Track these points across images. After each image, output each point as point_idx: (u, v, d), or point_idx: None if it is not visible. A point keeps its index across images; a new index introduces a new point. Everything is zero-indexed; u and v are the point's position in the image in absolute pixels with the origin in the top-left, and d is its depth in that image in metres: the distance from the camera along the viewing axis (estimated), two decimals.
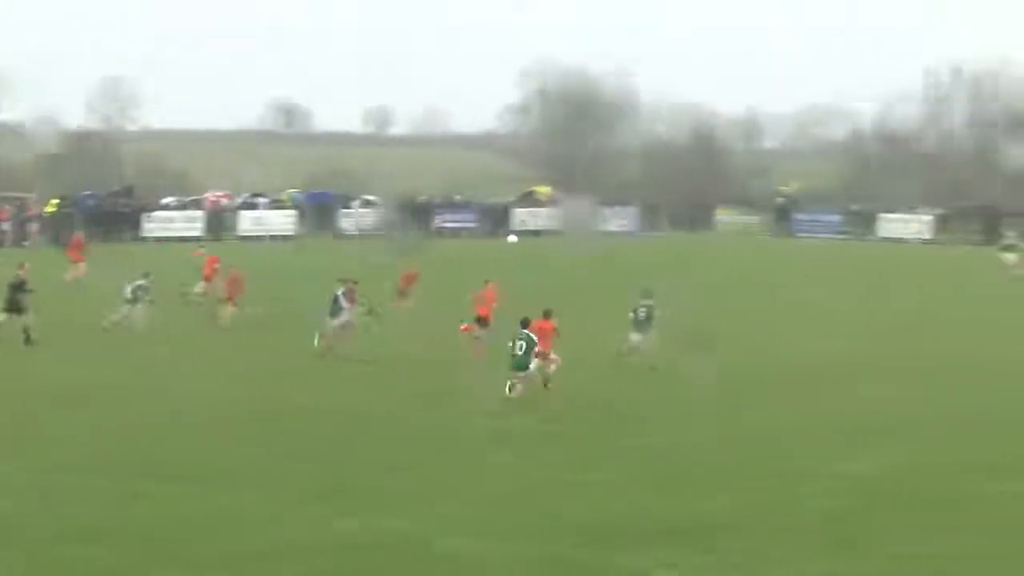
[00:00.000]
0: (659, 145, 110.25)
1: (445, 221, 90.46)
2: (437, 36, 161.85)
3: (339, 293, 37.10)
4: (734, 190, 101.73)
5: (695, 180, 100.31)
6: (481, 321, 37.04)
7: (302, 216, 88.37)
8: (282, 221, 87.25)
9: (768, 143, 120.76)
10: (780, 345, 39.34)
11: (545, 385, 31.06)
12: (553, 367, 31.20)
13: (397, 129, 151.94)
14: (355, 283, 38.26)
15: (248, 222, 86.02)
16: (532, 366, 30.45)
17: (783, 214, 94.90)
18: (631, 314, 34.92)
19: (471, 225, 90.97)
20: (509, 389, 29.96)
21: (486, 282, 38.52)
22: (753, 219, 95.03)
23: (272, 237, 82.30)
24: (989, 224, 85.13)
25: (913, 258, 74.71)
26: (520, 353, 30.18)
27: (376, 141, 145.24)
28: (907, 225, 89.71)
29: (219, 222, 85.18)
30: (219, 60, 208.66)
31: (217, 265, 46.79)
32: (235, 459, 24.71)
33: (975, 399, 31.33)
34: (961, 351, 38.05)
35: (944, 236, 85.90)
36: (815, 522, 20.89)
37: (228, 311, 42.08)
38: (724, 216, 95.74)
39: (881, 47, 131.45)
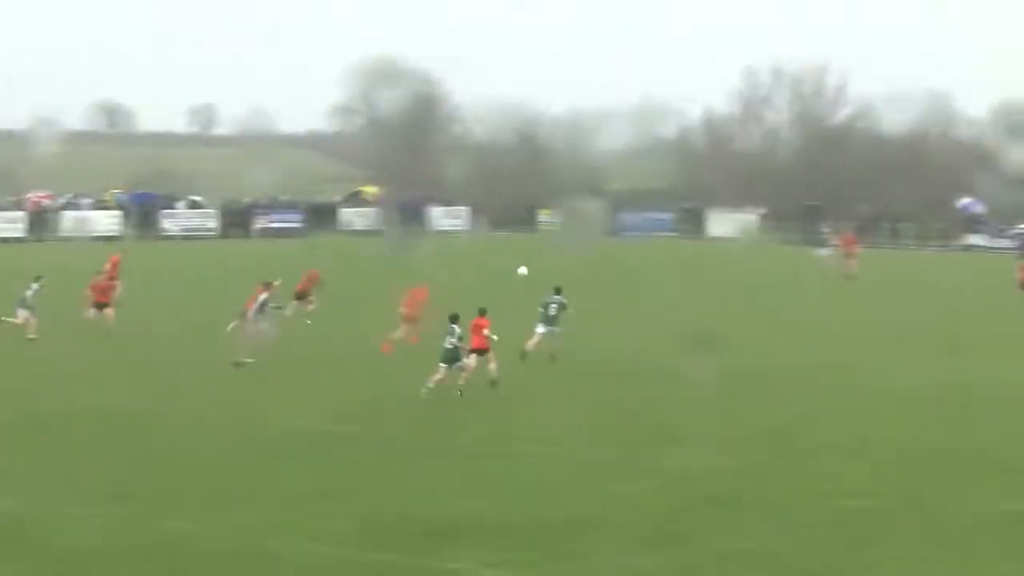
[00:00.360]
0: (484, 145, 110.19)
1: (271, 221, 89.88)
2: (262, 35, 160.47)
3: (263, 297, 36.62)
4: (558, 191, 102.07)
5: (519, 180, 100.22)
6: (407, 320, 37.24)
7: (126, 217, 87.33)
8: (106, 222, 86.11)
9: (593, 142, 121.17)
10: (598, 343, 39.19)
11: (493, 384, 31.74)
12: (493, 365, 31.87)
13: (222, 129, 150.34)
14: (271, 284, 37.82)
15: (71, 223, 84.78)
16: (470, 361, 31.31)
17: (605, 213, 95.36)
18: (541, 308, 36.35)
19: (297, 225, 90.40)
20: (433, 382, 30.79)
21: (416, 283, 38.67)
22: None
23: (95, 238, 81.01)
24: (811, 222, 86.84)
25: (735, 256, 75.45)
26: (450, 347, 30.91)
27: (201, 141, 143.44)
28: (733, 223, 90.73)
29: (41, 223, 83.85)
30: (42, 60, 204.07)
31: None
32: (22, 462, 24.51)
33: (782, 401, 31.79)
34: (771, 355, 38.14)
35: (770, 235, 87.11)
36: (638, 518, 21.09)
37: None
38: (548, 216, 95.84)
39: (706, 46, 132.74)
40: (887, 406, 30.82)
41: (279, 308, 38.41)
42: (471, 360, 31.46)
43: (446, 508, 21.51)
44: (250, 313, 35.96)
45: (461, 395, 30.97)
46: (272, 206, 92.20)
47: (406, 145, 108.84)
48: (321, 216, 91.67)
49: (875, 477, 23.76)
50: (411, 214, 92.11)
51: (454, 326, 31.20)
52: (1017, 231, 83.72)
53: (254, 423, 28.29)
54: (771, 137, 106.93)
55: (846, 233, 69.02)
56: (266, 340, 35.71)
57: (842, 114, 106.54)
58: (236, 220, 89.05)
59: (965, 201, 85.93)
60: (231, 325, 35.83)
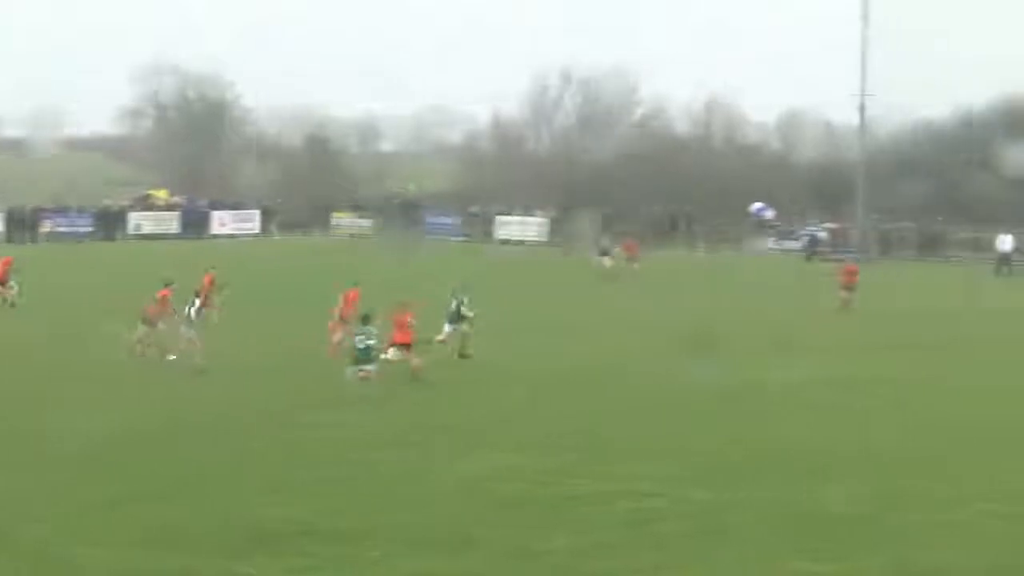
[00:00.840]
0: (275, 148, 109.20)
1: (58, 226, 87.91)
2: (49, 34, 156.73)
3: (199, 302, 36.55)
4: (351, 193, 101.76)
5: (311, 183, 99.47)
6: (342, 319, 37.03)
7: None
8: None
9: (385, 146, 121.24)
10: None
11: (416, 377, 32.54)
12: (416, 361, 32.71)
13: (7, 131, 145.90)
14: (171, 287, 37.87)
15: None
16: (392, 355, 32.33)
17: (404, 216, 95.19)
18: (451, 307, 37.50)
19: (86, 229, 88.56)
20: (355, 381, 31.49)
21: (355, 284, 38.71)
22: (369, 222, 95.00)
23: None
24: (603, 226, 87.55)
25: (522, 260, 75.52)
26: (363, 347, 31.52)
27: None
28: (524, 227, 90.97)
29: None
30: None
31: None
32: None
33: (577, 402, 31.99)
34: (563, 359, 38.23)
35: (558, 238, 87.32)
36: (432, 522, 21.00)
37: None
38: (341, 219, 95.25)
39: (497, 49, 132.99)
40: (679, 406, 31.10)
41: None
42: (391, 353, 32.36)
43: (255, 514, 21.20)
44: (192, 314, 35.79)
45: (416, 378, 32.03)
46: (59, 210, 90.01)
47: (196, 148, 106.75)
48: (110, 221, 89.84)
49: (670, 477, 23.83)
50: (197, 218, 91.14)
51: (369, 327, 31.75)
52: (804, 233, 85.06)
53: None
54: (561, 140, 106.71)
55: (628, 239, 69.98)
56: (193, 347, 35.25)
57: (633, 116, 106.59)
58: (22, 224, 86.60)
59: (756, 206, 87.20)
60: (139, 331, 36.07)
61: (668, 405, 31.23)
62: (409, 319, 33.15)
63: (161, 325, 37.01)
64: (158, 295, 37.62)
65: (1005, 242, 74.94)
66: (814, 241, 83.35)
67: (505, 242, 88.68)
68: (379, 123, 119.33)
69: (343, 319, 37.07)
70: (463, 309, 37.46)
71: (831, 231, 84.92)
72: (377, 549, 19.47)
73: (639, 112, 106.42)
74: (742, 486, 23.14)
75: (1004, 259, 73.73)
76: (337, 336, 36.61)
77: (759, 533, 20.26)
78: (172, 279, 38.93)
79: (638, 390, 33.26)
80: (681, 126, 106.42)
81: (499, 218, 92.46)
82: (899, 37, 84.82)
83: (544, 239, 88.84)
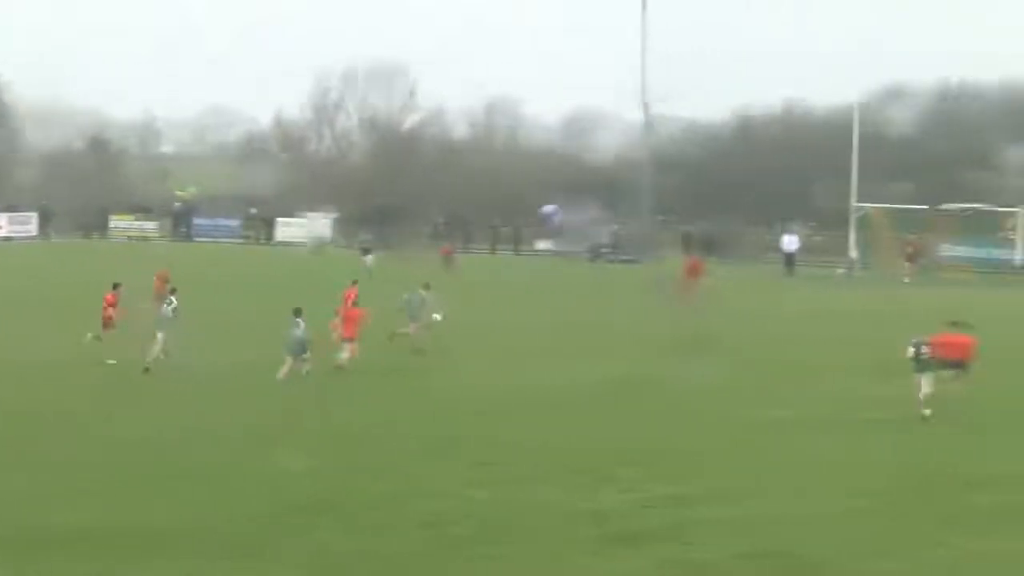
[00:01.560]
0: (55, 151, 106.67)
1: None
2: None
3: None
4: (131, 196, 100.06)
5: (91, 186, 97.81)
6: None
7: None
8: None
9: (166, 148, 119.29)
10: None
11: (338, 367, 34.34)
12: (346, 355, 34.76)
13: None
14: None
15: None
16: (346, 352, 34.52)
17: (181, 219, 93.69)
18: (403, 303, 39.58)
19: None
20: (282, 374, 32.99)
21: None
22: (151, 224, 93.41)
23: None
24: (384, 227, 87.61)
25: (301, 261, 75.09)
26: (295, 339, 33.20)
27: None
28: (306, 228, 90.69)
29: None
30: None
31: None
32: None
33: (366, 402, 32.02)
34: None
35: (343, 239, 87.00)
36: (218, 525, 20.69)
37: None
38: (120, 222, 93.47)
39: (278, 49, 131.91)
40: (468, 406, 31.23)
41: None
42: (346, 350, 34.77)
43: (48, 517, 20.81)
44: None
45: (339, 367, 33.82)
46: None
47: None
48: None
49: (457, 478, 23.80)
50: None
51: (299, 319, 33.21)
52: (589, 235, 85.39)
53: None
54: (343, 141, 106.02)
55: (445, 242, 71.18)
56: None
57: (412, 118, 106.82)
58: None
59: (548, 208, 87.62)
60: (88, 336, 36.42)
61: (453, 405, 31.36)
62: (358, 316, 35.82)
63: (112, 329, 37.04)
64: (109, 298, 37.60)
65: (791, 243, 76.23)
66: (598, 243, 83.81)
67: (287, 244, 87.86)
68: (160, 125, 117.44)
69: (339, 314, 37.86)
70: (420, 305, 39.53)
71: (616, 233, 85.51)
72: (162, 553, 19.13)
73: (418, 114, 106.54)
74: (524, 487, 23.19)
75: (789, 259, 75.12)
76: (337, 333, 37.00)
77: (542, 532, 20.36)
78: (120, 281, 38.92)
79: (422, 390, 33.33)
80: (461, 128, 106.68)
81: (280, 220, 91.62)
82: (678, 37, 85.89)
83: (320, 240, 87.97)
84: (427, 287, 40.76)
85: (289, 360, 33.24)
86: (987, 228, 75.25)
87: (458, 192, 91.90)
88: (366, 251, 67.07)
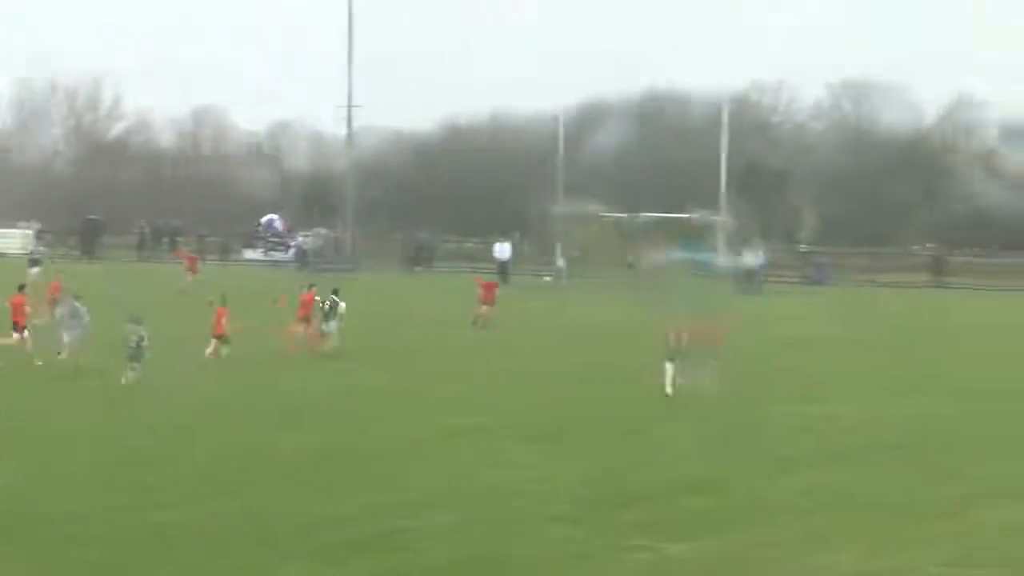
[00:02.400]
0: None
1: None
2: None
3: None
4: None
5: None
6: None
7: None
8: None
9: None
10: None
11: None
12: (210, 350, 38.11)
13: None
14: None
15: None
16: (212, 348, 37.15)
17: None
18: (322, 306, 41.62)
19: None
20: (125, 379, 34.18)
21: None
22: None
23: None
24: (88, 238, 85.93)
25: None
26: (134, 347, 34.60)
27: None
28: (9, 240, 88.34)
29: None
30: None
31: None
32: None
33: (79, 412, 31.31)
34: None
35: (47, 250, 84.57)
36: None
37: None
38: None
39: None
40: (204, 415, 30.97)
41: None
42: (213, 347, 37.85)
43: None
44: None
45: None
46: None
47: None
48: None
49: (183, 487, 23.35)
50: None
51: (137, 326, 34.61)
52: (294, 244, 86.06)
53: None
54: (49, 151, 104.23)
55: (187, 250, 70.65)
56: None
57: (118, 127, 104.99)
58: None
59: (268, 217, 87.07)
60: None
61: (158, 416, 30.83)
62: (224, 315, 38.73)
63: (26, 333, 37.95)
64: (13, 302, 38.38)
65: (503, 251, 77.42)
66: (303, 252, 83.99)
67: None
68: None
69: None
70: (339, 308, 41.62)
71: (323, 241, 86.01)
72: None
73: (122, 124, 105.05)
74: (245, 495, 23.01)
75: (503, 267, 76.46)
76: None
77: (290, 540, 20.15)
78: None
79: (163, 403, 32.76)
80: (168, 136, 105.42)
81: None
82: (385, 51, 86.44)
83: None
84: (336, 291, 42.16)
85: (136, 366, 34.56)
86: (695, 234, 77.47)
87: (165, 201, 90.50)
88: (34, 263, 65.54)
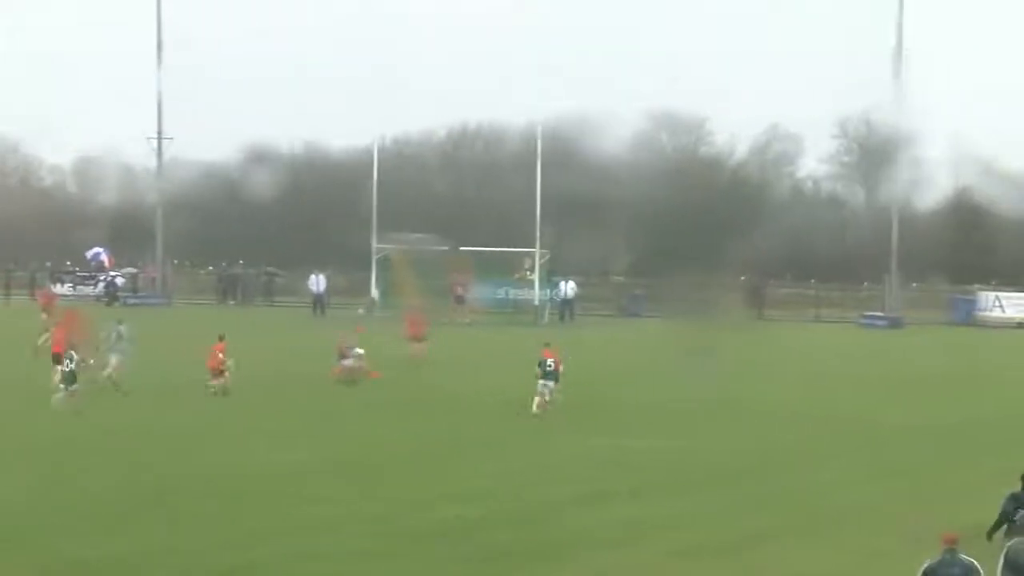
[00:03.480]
0: None
1: None
2: None
3: None
4: None
5: None
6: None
7: None
8: None
9: None
10: None
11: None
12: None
13: None
14: None
15: None
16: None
17: None
18: (111, 335, 41.98)
19: None
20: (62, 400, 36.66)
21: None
22: None
23: None
24: None
25: None
26: (68, 371, 37.12)
27: None
28: None
29: None
30: None
31: None
32: None
33: None
34: None
35: None
36: None
37: None
38: None
39: None
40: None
41: None
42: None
43: None
44: None
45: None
46: None
47: None
48: None
49: None
50: None
51: (72, 352, 37.40)
52: (103, 278, 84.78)
53: None
54: None
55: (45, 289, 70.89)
56: None
57: None
58: None
59: (94, 250, 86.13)
60: None
61: None
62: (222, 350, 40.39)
63: None
64: None
65: (318, 283, 77.61)
66: (112, 285, 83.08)
67: None
68: None
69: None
70: (116, 340, 42.02)
71: (132, 275, 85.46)
72: None
73: None
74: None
75: (318, 300, 76.60)
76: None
77: None
78: None
79: None
80: None
81: None
82: (195, 80, 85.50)
83: None
84: (120, 321, 43.14)
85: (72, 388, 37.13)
86: (506, 269, 78.14)
87: None
88: None
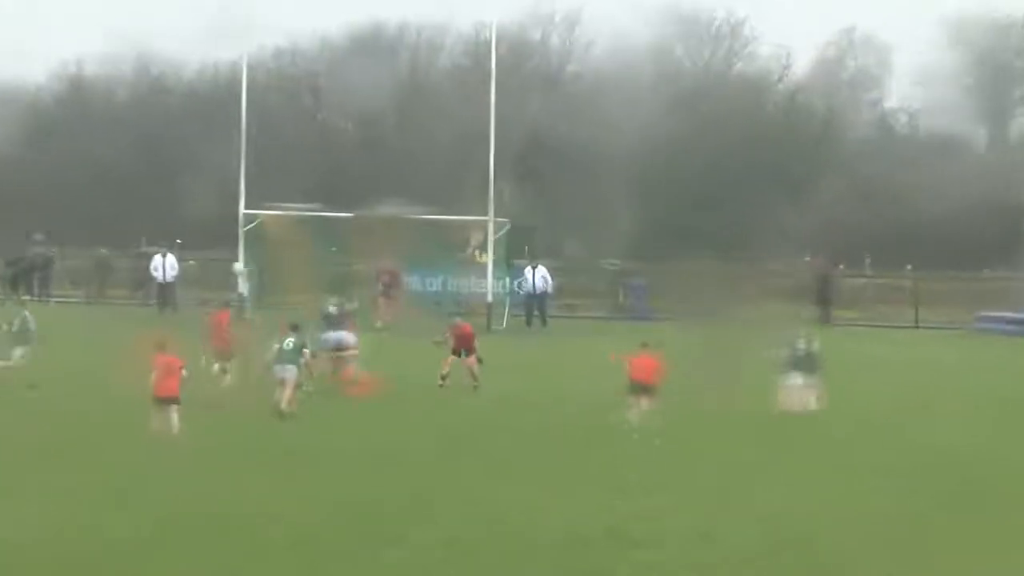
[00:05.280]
0: None
1: None
2: None
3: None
4: None
5: None
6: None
7: None
8: None
9: None
10: None
11: None
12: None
13: None
14: None
15: None
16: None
17: None
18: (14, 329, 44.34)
19: None
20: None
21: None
22: None
23: None
24: None
25: None
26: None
27: None
28: None
29: None
30: None
31: None
32: None
33: None
34: None
35: None
36: None
37: None
38: None
39: None
40: None
41: None
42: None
43: None
44: None
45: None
46: None
47: None
48: None
49: None
50: None
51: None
52: None
53: None
54: None
55: None
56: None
57: None
58: None
59: None
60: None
61: None
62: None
63: None
64: None
65: (167, 267, 73.54)
66: None
67: None
68: None
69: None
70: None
71: None
72: None
73: None
74: None
75: (163, 291, 72.87)
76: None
77: None
78: None
79: None
80: None
81: None
82: None
83: None
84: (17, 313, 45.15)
85: None
86: (445, 248, 73.10)
87: None
88: None
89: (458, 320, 47.50)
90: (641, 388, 37.83)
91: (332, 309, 46.91)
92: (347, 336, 43.98)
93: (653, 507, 28.73)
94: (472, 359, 45.81)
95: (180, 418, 35.69)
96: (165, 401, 35.23)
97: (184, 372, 35.63)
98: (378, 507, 28.36)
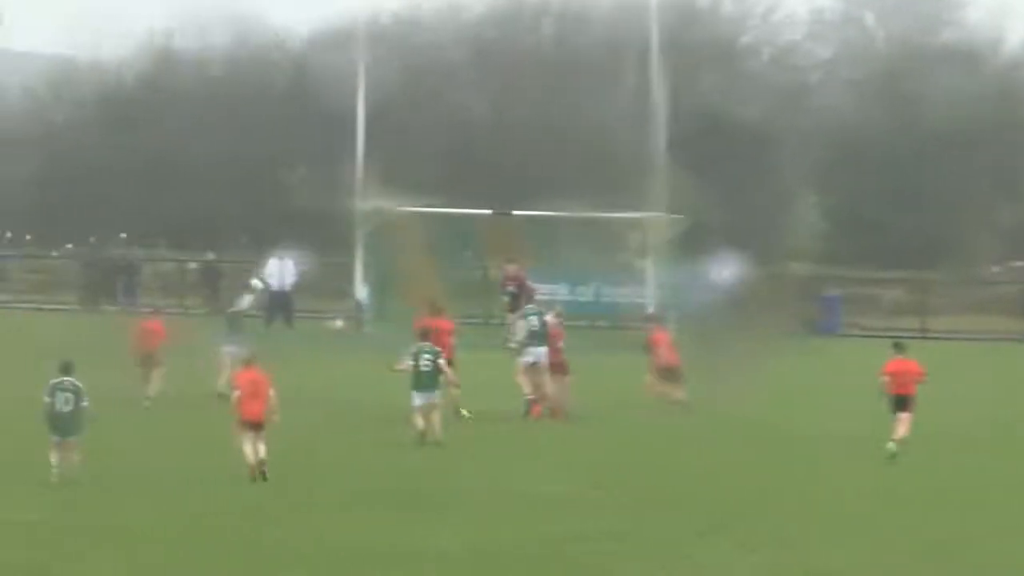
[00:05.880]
0: None
1: None
2: None
3: None
4: None
5: None
6: None
7: None
8: None
9: None
10: None
11: None
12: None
13: None
14: None
15: None
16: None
17: None
18: None
19: None
20: None
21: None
22: None
23: None
24: None
25: None
26: None
27: None
28: None
29: None
30: None
31: None
32: None
33: None
34: None
35: None
36: None
37: None
38: None
39: None
40: None
41: None
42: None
43: None
44: None
45: None
46: None
47: None
48: None
49: None
50: None
51: None
52: None
53: None
54: None
55: None
56: None
57: None
58: None
59: None
60: None
61: None
62: None
63: None
64: None
65: (283, 273, 72.27)
66: None
67: None
68: None
69: None
70: None
71: None
72: None
73: None
74: None
75: (279, 300, 71.89)
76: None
77: None
78: None
79: None
80: None
81: None
82: None
83: None
84: None
85: None
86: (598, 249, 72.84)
87: None
88: None
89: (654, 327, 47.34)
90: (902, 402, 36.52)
91: None
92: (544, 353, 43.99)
93: None
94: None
95: (267, 446, 34.56)
96: (250, 425, 34.41)
97: (272, 392, 34.51)
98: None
